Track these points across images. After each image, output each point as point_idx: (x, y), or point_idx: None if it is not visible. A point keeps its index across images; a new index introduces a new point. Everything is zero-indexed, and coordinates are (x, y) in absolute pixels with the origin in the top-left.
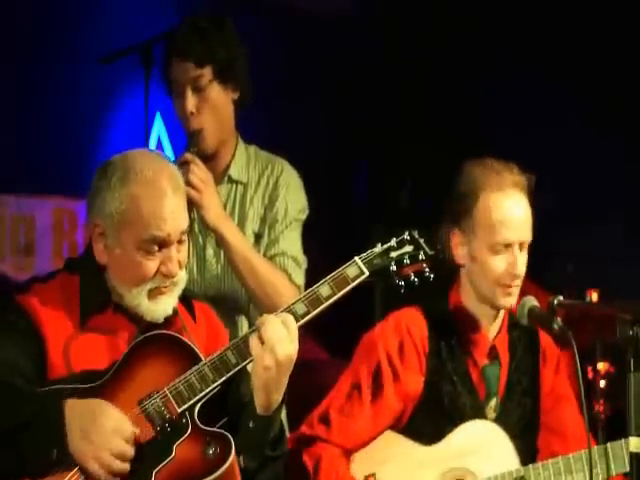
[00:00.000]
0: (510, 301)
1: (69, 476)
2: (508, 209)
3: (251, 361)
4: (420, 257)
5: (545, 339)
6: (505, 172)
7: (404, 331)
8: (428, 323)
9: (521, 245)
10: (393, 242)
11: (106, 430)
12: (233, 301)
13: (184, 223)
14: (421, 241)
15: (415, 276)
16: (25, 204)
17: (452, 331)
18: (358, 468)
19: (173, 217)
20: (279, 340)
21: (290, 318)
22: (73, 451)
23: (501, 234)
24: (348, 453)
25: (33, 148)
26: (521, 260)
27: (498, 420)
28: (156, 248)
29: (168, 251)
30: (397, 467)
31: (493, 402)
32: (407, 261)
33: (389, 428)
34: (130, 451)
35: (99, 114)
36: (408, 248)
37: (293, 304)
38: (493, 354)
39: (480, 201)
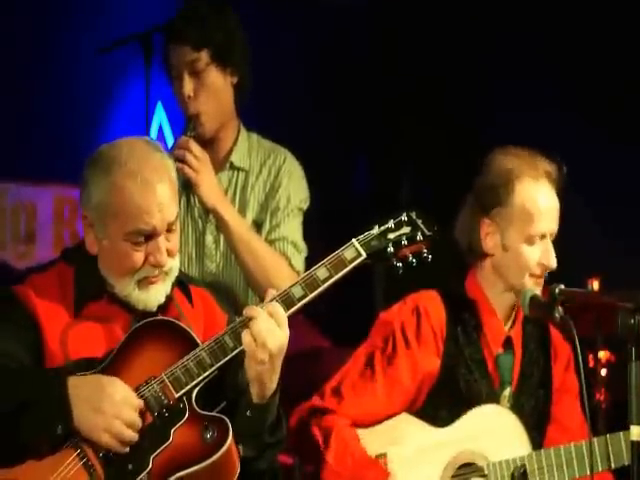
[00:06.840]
0: (537, 292)
1: (69, 460)
2: (544, 200)
3: None
4: (418, 238)
5: (556, 336)
6: (538, 163)
7: (422, 312)
8: (446, 307)
9: (551, 236)
10: (390, 224)
11: (116, 400)
12: (230, 289)
13: (172, 214)
14: (419, 222)
15: (413, 257)
16: (26, 192)
17: (470, 317)
18: (369, 447)
19: (160, 209)
20: (269, 333)
21: (276, 307)
22: (81, 426)
23: (539, 225)
24: (358, 427)
25: (34, 137)
26: (553, 251)
27: (512, 410)
28: (143, 239)
29: (155, 242)
30: (408, 448)
31: (507, 391)
32: (405, 242)
33: (403, 411)
34: (139, 421)
35: (100, 103)
36: (406, 229)
37: (290, 287)
38: (508, 344)
39: (516, 191)
